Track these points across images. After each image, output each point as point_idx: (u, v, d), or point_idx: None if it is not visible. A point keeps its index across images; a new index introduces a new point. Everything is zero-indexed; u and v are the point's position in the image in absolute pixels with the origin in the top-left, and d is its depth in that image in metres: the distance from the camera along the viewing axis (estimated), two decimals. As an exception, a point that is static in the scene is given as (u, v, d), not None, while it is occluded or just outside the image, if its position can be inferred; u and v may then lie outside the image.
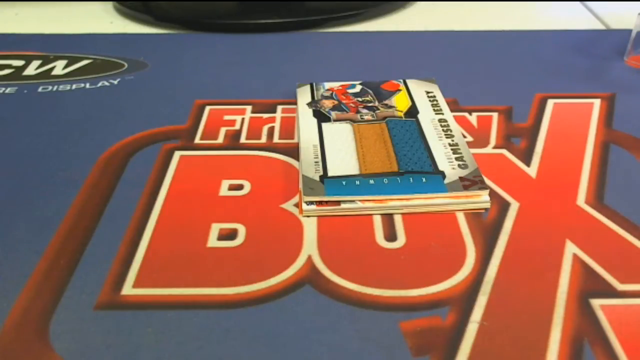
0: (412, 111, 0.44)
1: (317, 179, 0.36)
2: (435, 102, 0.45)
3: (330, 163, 0.38)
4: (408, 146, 0.40)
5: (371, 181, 0.36)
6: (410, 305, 0.29)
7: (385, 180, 0.36)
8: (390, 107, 0.45)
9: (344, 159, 0.38)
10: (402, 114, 0.44)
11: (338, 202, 0.35)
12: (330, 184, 0.36)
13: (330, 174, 0.37)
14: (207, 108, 0.48)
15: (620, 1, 0.74)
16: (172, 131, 0.45)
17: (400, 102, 0.45)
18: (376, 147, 0.40)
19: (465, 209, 0.36)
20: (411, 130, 0.41)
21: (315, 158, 0.38)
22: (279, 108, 0.47)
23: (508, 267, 0.31)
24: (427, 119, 0.43)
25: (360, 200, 0.35)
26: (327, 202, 0.35)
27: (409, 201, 0.35)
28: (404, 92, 0.47)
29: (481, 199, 0.36)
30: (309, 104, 0.45)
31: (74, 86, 0.52)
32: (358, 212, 0.35)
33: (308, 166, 0.38)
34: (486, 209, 0.36)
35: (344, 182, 0.36)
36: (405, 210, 0.35)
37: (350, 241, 0.33)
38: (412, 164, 0.38)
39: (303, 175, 0.37)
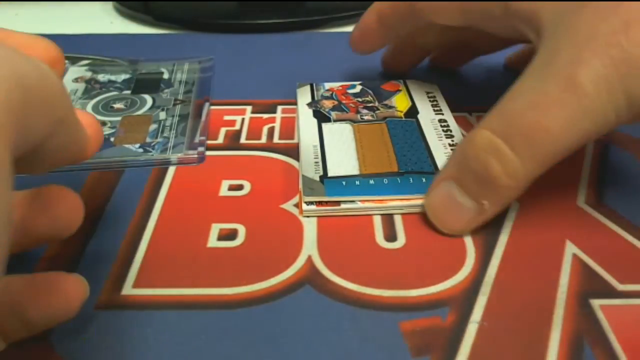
0: (412, 111, 0.44)
1: (317, 179, 0.36)
2: (435, 102, 0.45)
3: (330, 163, 0.38)
4: (408, 146, 0.40)
5: (371, 181, 0.36)
6: (410, 305, 0.29)
7: (385, 181, 0.36)
8: (390, 107, 0.45)
9: (344, 159, 0.38)
10: (402, 114, 0.44)
11: (338, 202, 0.35)
12: (330, 184, 0.36)
13: (330, 174, 0.37)
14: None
15: (620, 1, 0.74)
16: (172, 131, 0.44)
17: (400, 103, 0.45)
18: (376, 147, 0.40)
19: (465, 209, 0.35)
20: (411, 130, 0.41)
21: (315, 158, 0.38)
22: (279, 108, 0.47)
23: (508, 267, 0.31)
24: (427, 119, 0.43)
25: (360, 201, 0.35)
26: (327, 203, 0.35)
27: (409, 201, 0.35)
28: (404, 92, 0.47)
29: (481, 199, 0.36)
30: (309, 104, 0.45)
31: (74, 86, 0.52)
32: (358, 212, 0.35)
33: (308, 166, 0.38)
34: (486, 209, 0.36)
35: (344, 183, 0.36)
36: (405, 211, 0.35)
37: (350, 241, 0.33)
38: (412, 164, 0.38)
39: (303, 176, 0.37)
